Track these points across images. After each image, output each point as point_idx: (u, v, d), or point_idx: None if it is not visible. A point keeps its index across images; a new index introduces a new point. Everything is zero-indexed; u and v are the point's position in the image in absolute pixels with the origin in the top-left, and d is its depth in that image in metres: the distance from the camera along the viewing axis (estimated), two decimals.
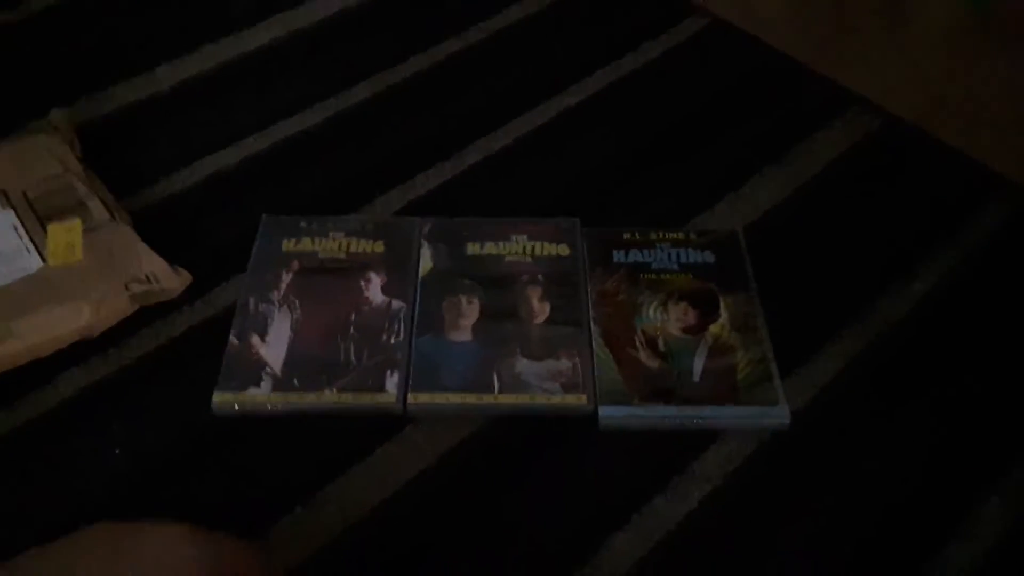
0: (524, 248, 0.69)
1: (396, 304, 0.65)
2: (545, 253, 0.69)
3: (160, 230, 0.69)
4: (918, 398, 0.63)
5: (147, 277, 0.64)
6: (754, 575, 0.55)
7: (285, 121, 0.80)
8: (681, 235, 0.71)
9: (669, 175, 0.77)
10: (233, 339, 0.63)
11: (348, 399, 0.60)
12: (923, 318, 0.67)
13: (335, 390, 0.60)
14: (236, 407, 0.60)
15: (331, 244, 0.68)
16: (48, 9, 0.90)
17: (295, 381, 0.61)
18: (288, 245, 0.68)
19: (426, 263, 0.68)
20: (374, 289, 0.66)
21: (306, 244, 0.68)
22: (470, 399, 0.61)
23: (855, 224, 0.73)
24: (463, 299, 0.66)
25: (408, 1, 0.92)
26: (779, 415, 0.61)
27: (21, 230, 0.66)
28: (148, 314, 0.65)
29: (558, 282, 0.67)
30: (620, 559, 0.55)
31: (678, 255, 0.69)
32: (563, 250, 0.69)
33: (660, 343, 0.64)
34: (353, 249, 0.68)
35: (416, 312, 0.65)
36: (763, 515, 0.57)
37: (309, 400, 0.60)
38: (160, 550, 0.34)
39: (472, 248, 0.69)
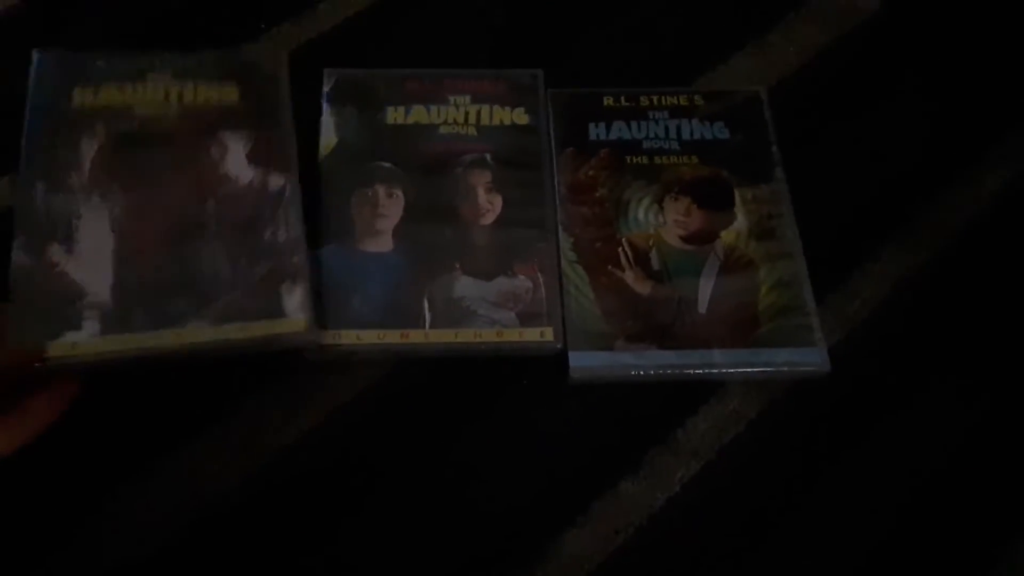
0: (466, 115, 0.49)
1: (274, 180, 0.45)
2: (495, 122, 0.49)
3: None
4: (987, 332, 0.47)
5: None
6: None
7: None
8: (684, 99, 0.51)
9: (666, 15, 0.56)
10: (21, 254, 0.42)
11: (233, 333, 0.41)
12: (997, 224, 0.50)
13: (208, 322, 0.41)
14: (49, 360, 0.40)
15: (153, 94, 0.46)
16: None
17: (137, 316, 0.41)
18: (84, 97, 0.46)
19: (328, 137, 0.48)
20: (234, 159, 0.45)
21: (112, 95, 0.46)
22: (390, 337, 0.43)
23: (913, 89, 0.54)
24: (380, 191, 0.47)
25: None
26: (814, 359, 0.44)
27: None
28: None
29: (514, 165, 0.48)
30: (570, 567, 0.40)
31: (679, 128, 0.50)
32: (520, 117, 0.50)
33: (653, 258, 0.46)
34: (190, 99, 0.47)
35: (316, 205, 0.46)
36: (772, 501, 0.42)
37: (168, 343, 0.41)
38: None
39: (393, 115, 0.49)
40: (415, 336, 0.43)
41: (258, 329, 0.41)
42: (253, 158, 0.45)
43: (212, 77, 0.47)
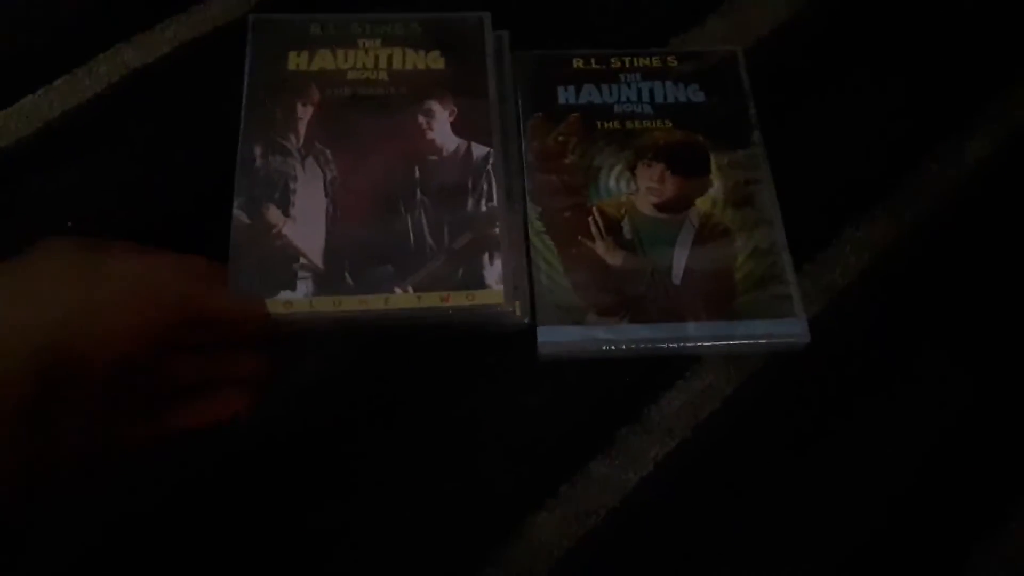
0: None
1: (478, 150, 0.44)
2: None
3: None
4: (971, 302, 0.45)
5: None
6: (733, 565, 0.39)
7: None
8: (656, 60, 0.49)
9: None
10: (240, 214, 0.41)
11: (434, 302, 0.40)
12: (983, 189, 0.48)
13: (411, 288, 0.40)
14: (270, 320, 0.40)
15: (363, 58, 0.46)
16: None
17: (348, 278, 0.40)
18: (298, 61, 0.45)
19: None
20: (441, 128, 0.44)
21: (326, 59, 0.46)
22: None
23: (896, 52, 0.52)
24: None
25: None
26: (794, 330, 0.42)
27: None
28: None
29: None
30: (538, 552, 0.38)
31: (651, 91, 0.48)
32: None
33: (625, 227, 0.44)
34: (399, 65, 0.46)
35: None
36: (749, 479, 0.41)
37: (373, 306, 0.40)
38: (118, 263, 0.35)
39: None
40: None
41: (457, 299, 0.40)
42: (457, 127, 0.44)
43: (419, 44, 0.46)
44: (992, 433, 0.42)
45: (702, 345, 0.42)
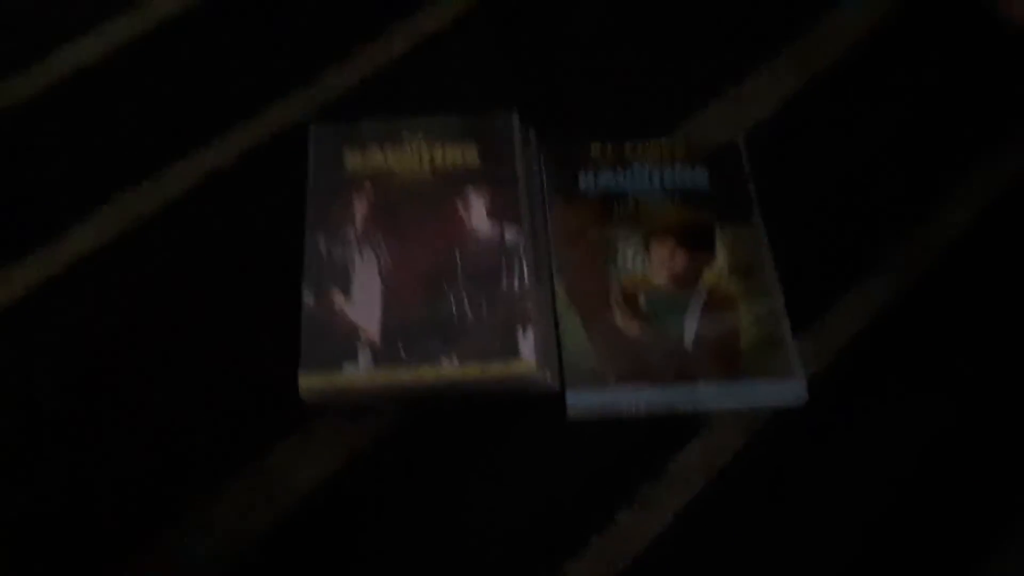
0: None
1: (510, 234, 0.50)
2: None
3: None
4: (957, 362, 0.50)
5: None
6: None
7: (134, 13, 0.61)
8: (665, 148, 0.55)
9: (649, 67, 0.60)
10: (308, 298, 0.48)
11: (475, 371, 0.47)
12: (966, 255, 0.53)
13: (455, 360, 0.47)
14: (329, 391, 0.46)
15: (409, 156, 0.53)
16: None
17: (401, 351, 0.47)
18: (353, 161, 0.53)
19: None
20: (477, 215, 0.51)
21: (376, 158, 0.53)
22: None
23: (882, 129, 0.58)
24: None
25: None
26: (794, 390, 0.47)
27: None
28: None
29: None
30: None
31: (661, 176, 0.54)
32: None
33: (641, 299, 0.50)
34: (439, 160, 0.53)
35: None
36: (759, 525, 0.46)
37: (424, 375, 0.46)
38: None
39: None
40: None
41: (494, 368, 0.47)
42: (491, 212, 0.51)
43: (457, 140, 0.53)
44: (976, 473, 0.47)
45: (712, 404, 0.47)
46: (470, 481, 0.46)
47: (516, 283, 0.49)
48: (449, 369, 0.47)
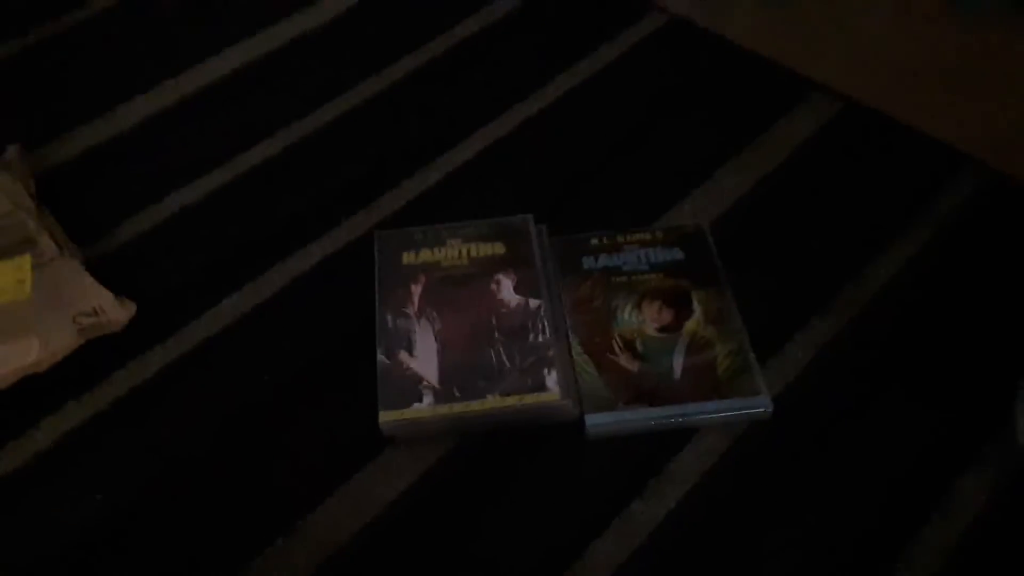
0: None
1: (532, 303, 0.66)
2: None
3: (126, 270, 0.69)
4: (889, 381, 0.64)
5: (94, 310, 0.65)
6: (737, 570, 0.55)
7: (245, 153, 0.80)
8: (648, 235, 0.71)
9: (633, 175, 0.77)
10: (382, 357, 0.63)
11: (513, 402, 0.61)
12: (891, 300, 0.68)
13: (498, 395, 0.61)
14: (402, 424, 0.60)
15: (451, 252, 0.69)
16: (15, 52, 0.89)
17: (455, 391, 0.61)
18: (409, 258, 0.69)
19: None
20: (506, 291, 0.66)
21: (426, 255, 0.69)
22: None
23: (820, 210, 0.74)
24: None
25: (359, 23, 0.92)
26: (762, 404, 0.61)
27: None
28: (122, 354, 0.65)
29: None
30: (601, 564, 0.55)
31: (647, 255, 0.70)
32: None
33: (638, 345, 0.64)
34: (474, 254, 0.69)
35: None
36: (743, 509, 0.58)
37: (474, 408, 0.60)
38: None
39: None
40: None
41: (528, 399, 0.61)
42: (518, 289, 0.67)
43: (487, 238, 0.70)
44: (906, 465, 0.59)
45: (699, 418, 0.61)
46: (513, 486, 0.59)
47: (540, 337, 0.64)
48: (493, 402, 0.61)
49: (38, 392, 0.63)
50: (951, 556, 0.55)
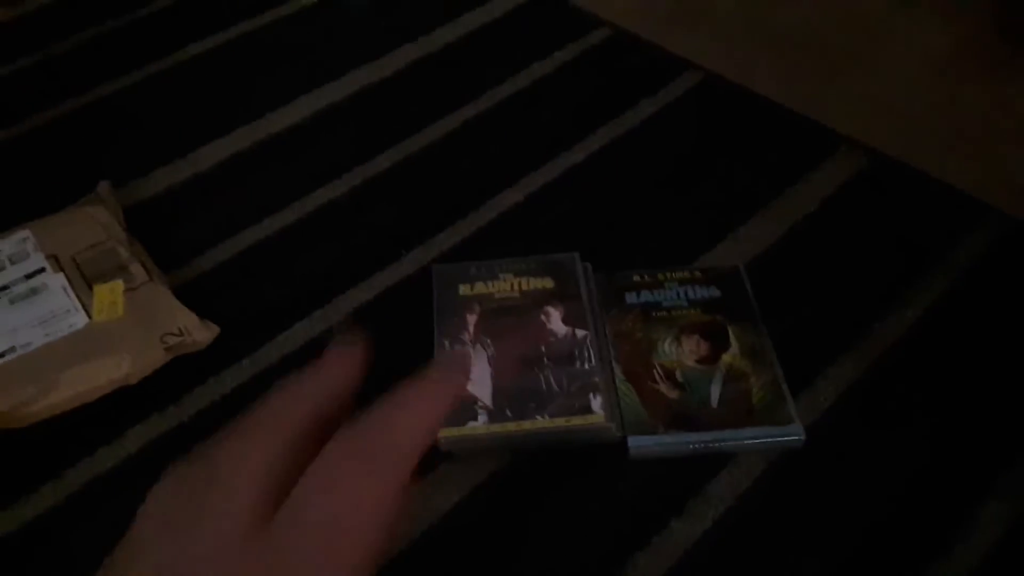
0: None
1: (579, 333, 0.71)
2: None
3: (207, 296, 0.75)
4: (914, 416, 0.68)
5: (180, 330, 0.71)
6: None
7: (314, 192, 0.87)
8: (687, 274, 0.76)
9: (673, 219, 0.83)
10: None
11: (561, 423, 0.66)
12: (916, 342, 0.72)
13: (547, 416, 0.66)
14: (458, 440, 0.65)
15: (504, 285, 0.75)
16: (102, 97, 0.98)
17: (507, 412, 0.66)
18: (465, 290, 0.75)
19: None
20: (555, 321, 0.72)
21: (480, 287, 0.75)
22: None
23: (848, 256, 0.79)
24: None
25: (421, 76, 0.99)
26: (794, 432, 0.65)
27: (70, 291, 0.73)
28: (203, 372, 0.71)
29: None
30: None
31: (686, 292, 0.75)
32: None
33: (678, 375, 0.69)
34: (525, 288, 0.75)
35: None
36: (775, 530, 0.62)
37: (525, 428, 0.66)
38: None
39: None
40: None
41: (575, 421, 0.66)
42: (565, 320, 0.72)
43: (537, 274, 0.76)
44: (938, 489, 0.63)
45: (735, 444, 0.65)
46: (559, 501, 0.64)
47: (586, 364, 0.69)
48: (542, 423, 0.66)
49: (128, 404, 0.69)
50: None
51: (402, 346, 0.73)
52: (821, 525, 0.62)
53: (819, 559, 0.60)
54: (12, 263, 0.75)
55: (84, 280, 0.74)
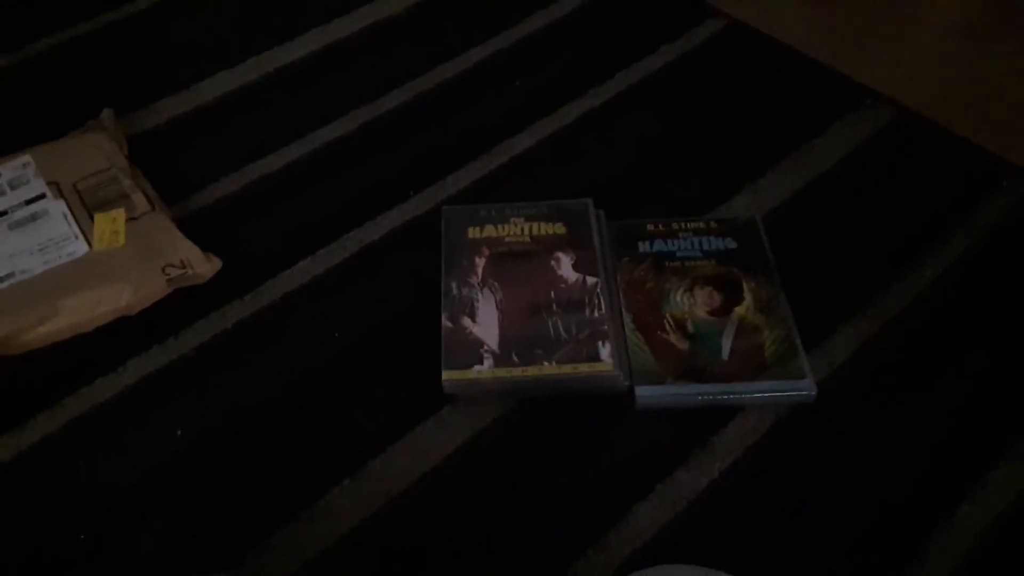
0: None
1: (590, 280, 0.70)
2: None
3: (210, 229, 0.74)
4: (929, 375, 0.66)
5: (182, 262, 0.69)
6: (774, 539, 0.58)
7: (322, 129, 0.84)
8: (702, 224, 0.74)
9: (690, 170, 0.81)
10: (447, 322, 0.67)
11: (568, 370, 0.64)
12: (934, 301, 0.70)
13: (554, 362, 0.64)
14: (462, 384, 0.64)
15: (514, 229, 0.73)
16: (106, 25, 0.95)
17: (514, 357, 0.65)
18: (474, 232, 0.73)
19: None
20: (566, 268, 0.70)
21: (490, 231, 0.73)
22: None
23: (868, 212, 0.77)
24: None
25: (433, 13, 0.96)
26: (806, 387, 0.64)
27: (71, 219, 0.71)
28: (205, 306, 0.69)
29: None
30: (643, 526, 0.59)
31: (700, 243, 0.73)
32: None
33: (689, 325, 0.67)
34: (536, 232, 0.73)
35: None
36: (782, 482, 0.61)
37: (531, 373, 0.64)
38: None
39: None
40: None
41: (582, 368, 0.64)
42: (576, 267, 0.70)
43: (549, 219, 0.74)
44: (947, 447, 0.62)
45: (745, 397, 0.64)
46: (563, 449, 0.62)
47: (596, 312, 0.67)
48: (549, 369, 0.64)
49: (128, 335, 0.68)
50: (982, 539, 0.57)
51: (409, 287, 0.72)
52: (827, 481, 0.61)
53: (823, 515, 0.59)
54: (12, 188, 0.73)
55: (85, 208, 0.72)
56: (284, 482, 0.61)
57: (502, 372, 0.64)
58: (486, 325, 0.67)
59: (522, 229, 0.73)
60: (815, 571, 0.57)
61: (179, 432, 0.63)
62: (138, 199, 0.72)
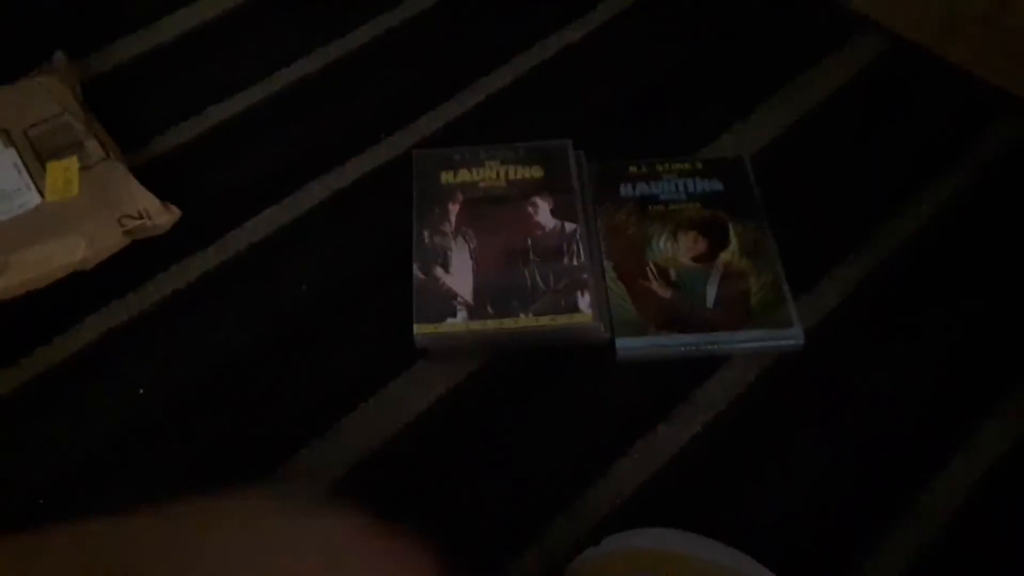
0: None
1: (569, 226, 0.66)
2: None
3: (169, 178, 0.70)
4: (923, 321, 0.63)
5: (139, 213, 0.66)
6: (759, 494, 0.56)
7: (286, 68, 0.80)
8: (687, 165, 0.71)
9: (674, 108, 0.77)
10: (418, 273, 0.64)
11: (546, 322, 0.61)
12: (929, 240, 0.67)
13: (531, 314, 0.61)
14: (435, 337, 0.61)
15: (489, 173, 0.69)
16: None
17: (489, 308, 0.62)
18: (447, 177, 0.69)
19: None
20: (543, 214, 0.67)
21: (464, 175, 0.69)
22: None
23: (862, 149, 0.73)
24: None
25: None
26: (793, 335, 0.61)
27: (22, 167, 0.67)
28: (165, 258, 0.66)
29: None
30: (624, 482, 0.57)
31: (685, 185, 0.69)
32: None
33: (672, 273, 0.65)
34: (512, 176, 0.69)
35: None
36: (767, 435, 0.59)
37: (507, 326, 0.61)
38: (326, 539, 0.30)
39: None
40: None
41: (561, 320, 0.61)
42: (555, 212, 0.67)
43: (525, 162, 0.70)
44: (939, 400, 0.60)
45: (729, 347, 0.61)
46: (541, 404, 0.60)
47: (575, 260, 0.64)
48: (526, 321, 0.61)
49: (84, 290, 0.64)
50: (974, 489, 0.56)
51: (379, 237, 0.68)
52: (814, 434, 0.59)
53: (810, 469, 0.57)
54: None
55: (36, 156, 0.68)
56: (250, 442, 0.59)
57: (477, 325, 0.61)
58: (460, 275, 0.64)
59: (497, 173, 0.69)
60: (801, 527, 0.55)
61: (141, 391, 0.60)
62: (92, 146, 0.68)
